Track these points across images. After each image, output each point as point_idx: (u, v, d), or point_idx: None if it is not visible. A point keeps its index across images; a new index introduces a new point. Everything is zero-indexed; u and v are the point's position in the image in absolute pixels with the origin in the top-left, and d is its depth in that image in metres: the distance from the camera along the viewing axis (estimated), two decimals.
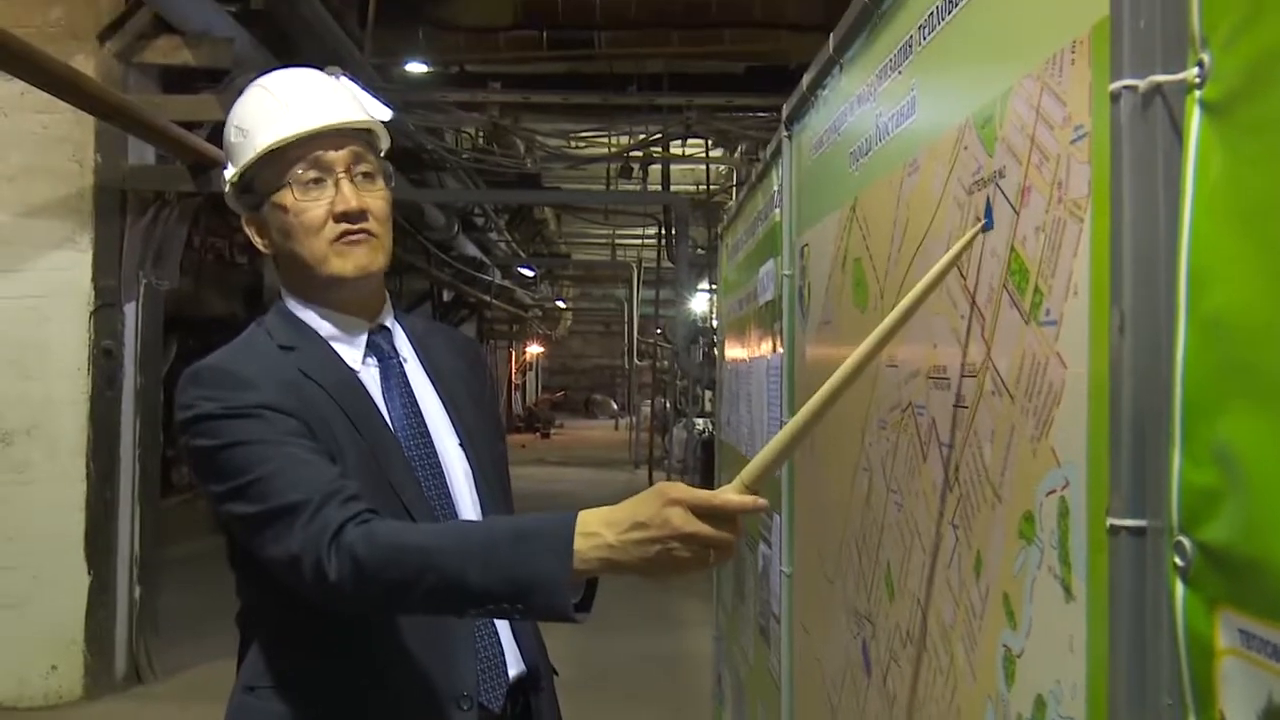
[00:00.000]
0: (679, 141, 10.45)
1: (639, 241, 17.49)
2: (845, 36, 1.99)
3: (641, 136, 8.89)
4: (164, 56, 6.48)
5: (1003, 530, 1.25)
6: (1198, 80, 0.84)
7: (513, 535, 1.43)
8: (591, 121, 8.84)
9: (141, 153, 6.56)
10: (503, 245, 16.05)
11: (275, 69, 1.85)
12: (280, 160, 1.72)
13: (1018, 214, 1.22)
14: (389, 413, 1.79)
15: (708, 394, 15.20)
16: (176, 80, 6.88)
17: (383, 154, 1.86)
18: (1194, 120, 0.84)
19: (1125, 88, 0.91)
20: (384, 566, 1.45)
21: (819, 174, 2.33)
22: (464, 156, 10.00)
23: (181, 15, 6.28)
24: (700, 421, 13.21)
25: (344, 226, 1.71)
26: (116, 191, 6.39)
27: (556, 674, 1.96)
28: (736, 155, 10.59)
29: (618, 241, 18.57)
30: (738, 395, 3.90)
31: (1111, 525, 0.93)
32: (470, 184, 11.01)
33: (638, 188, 11.77)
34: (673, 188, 11.98)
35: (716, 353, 5.39)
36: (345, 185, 1.71)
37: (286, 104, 1.73)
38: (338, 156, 1.72)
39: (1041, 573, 1.14)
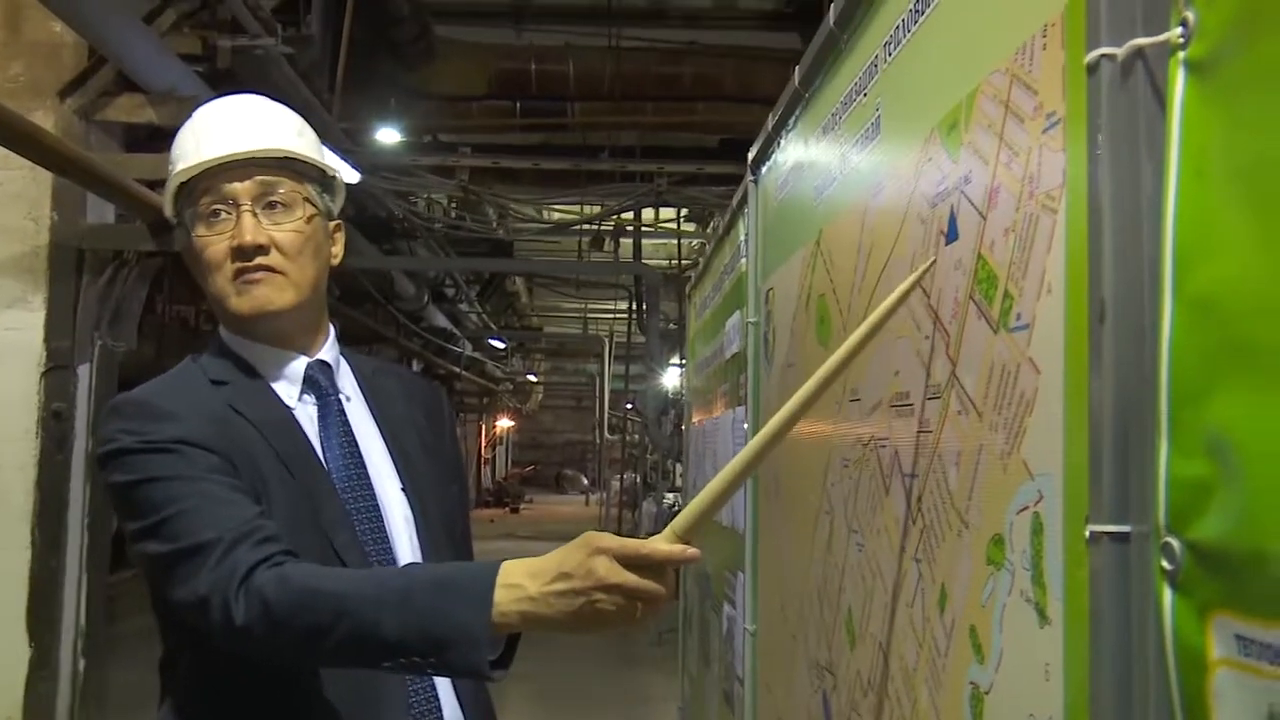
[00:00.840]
0: (651, 213, 10.47)
1: (611, 315, 17.47)
2: (810, 67, 1.94)
3: (613, 203, 8.87)
4: (127, 114, 6.40)
5: (969, 558, 1.16)
6: (1181, 40, 0.77)
7: (431, 585, 1.33)
8: (563, 189, 8.82)
9: (101, 212, 6.46)
10: (474, 317, 15.96)
11: (217, 96, 1.78)
12: (192, 193, 1.64)
13: (984, 218, 1.15)
14: (325, 452, 1.69)
15: (678, 468, 15.11)
16: (140, 139, 6.82)
17: (335, 181, 1.76)
18: (1178, 84, 0.78)
19: (1104, 56, 0.84)
20: (295, 612, 1.36)
21: (784, 214, 2.27)
22: (436, 225, 9.96)
23: (145, 73, 6.22)
24: (670, 496, 13.08)
25: (240, 264, 1.61)
26: (73, 250, 6.27)
27: None
28: (709, 229, 10.61)
29: (589, 315, 18.56)
30: (703, 455, 3.82)
31: (1091, 533, 0.84)
32: (441, 253, 10.96)
33: (609, 259, 11.76)
34: (644, 262, 11.97)
35: (684, 418, 5.30)
36: (245, 218, 1.60)
37: (200, 137, 1.65)
38: (240, 188, 1.62)
39: (1012, 598, 1.05)
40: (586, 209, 9.67)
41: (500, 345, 18.40)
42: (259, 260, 1.61)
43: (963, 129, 1.21)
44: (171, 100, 6.37)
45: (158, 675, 1.73)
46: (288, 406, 1.69)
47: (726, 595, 3.09)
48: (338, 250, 1.78)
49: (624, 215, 9.75)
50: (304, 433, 1.68)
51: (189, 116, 1.74)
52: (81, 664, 6.19)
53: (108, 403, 1.64)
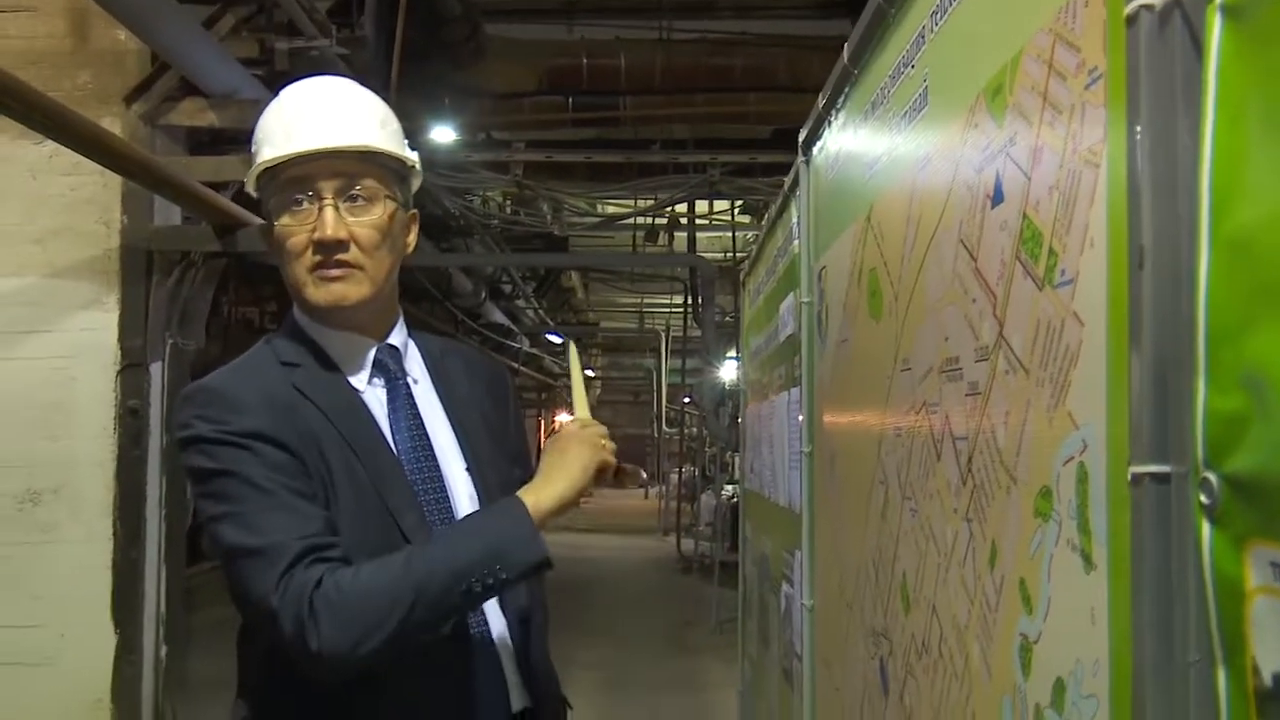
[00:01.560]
0: (705, 207, 10.47)
1: (666, 310, 17.49)
2: (859, 43, 1.96)
3: (666, 195, 8.89)
4: (190, 118, 6.54)
5: (1018, 513, 1.19)
6: None
7: (468, 518, 1.63)
8: (616, 183, 8.85)
9: (167, 214, 6.60)
10: (530, 313, 16.07)
11: (304, 77, 1.81)
12: (277, 179, 1.68)
13: (1029, 179, 1.17)
14: (394, 435, 1.73)
15: (736, 460, 15.12)
16: (202, 142, 6.95)
17: (414, 170, 1.80)
18: (1215, 31, 0.80)
19: (1142, 7, 0.86)
20: (361, 597, 1.47)
21: (835, 192, 2.29)
22: (492, 221, 10.04)
23: (207, 78, 6.35)
24: (729, 488, 13.09)
25: (319, 258, 1.66)
26: (142, 252, 6.42)
27: (570, 708, 1.88)
28: (763, 221, 10.60)
29: (645, 310, 18.59)
30: (760, 439, 3.84)
31: (1134, 474, 0.87)
32: (497, 250, 11.04)
33: (664, 251, 11.78)
34: (699, 255, 11.98)
35: (741, 398, 5.32)
36: (328, 213, 1.64)
37: (289, 122, 1.68)
38: (327, 183, 1.65)
39: (1059, 548, 1.07)
40: (640, 202, 9.70)
41: (557, 340, 18.50)
42: (338, 256, 1.66)
43: (1008, 92, 1.23)
44: (232, 103, 6.50)
45: (236, 649, 1.79)
46: (356, 390, 1.74)
47: (784, 575, 3.12)
48: (411, 239, 1.82)
49: (678, 208, 9.76)
50: (371, 416, 1.72)
51: (274, 96, 1.77)
52: (163, 650, 6.35)
53: (181, 391, 1.70)
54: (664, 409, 20.29)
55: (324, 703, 1.63)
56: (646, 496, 26.16)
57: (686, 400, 20.10)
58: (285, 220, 1.67)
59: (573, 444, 1.66)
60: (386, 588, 1.47)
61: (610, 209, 10.29)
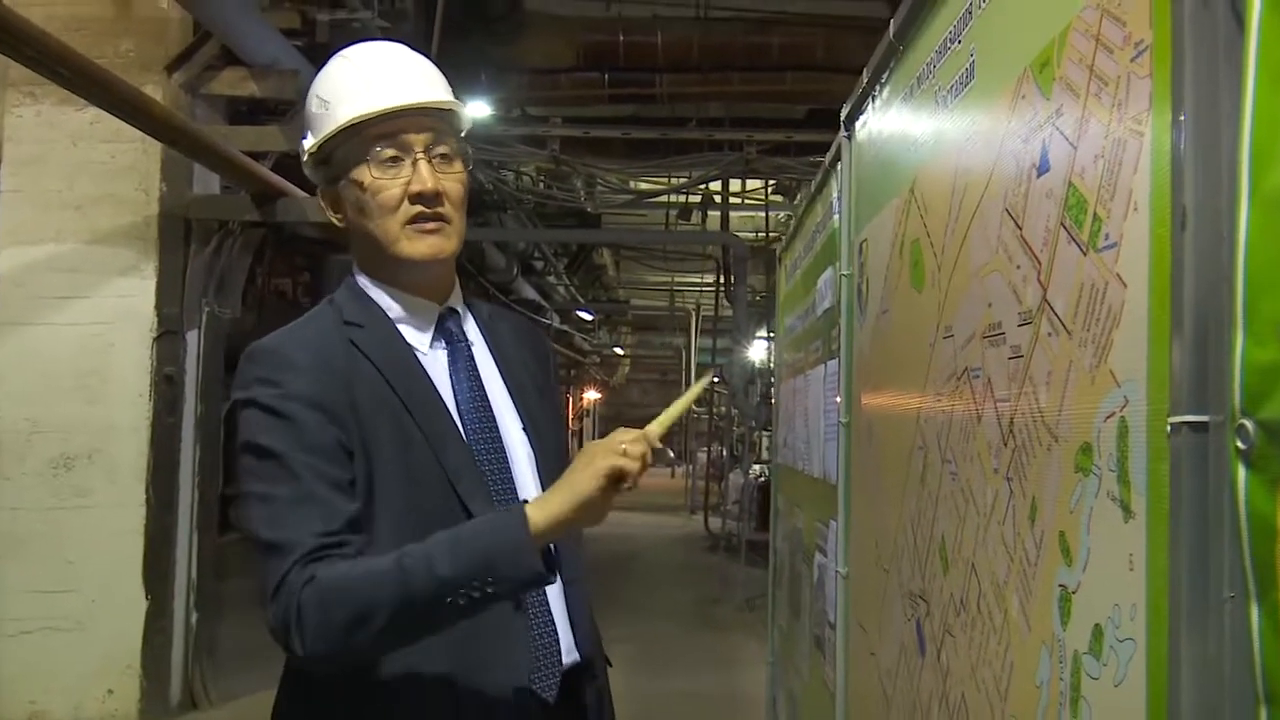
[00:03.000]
0: (738, 184, 10.48)
1: (697, 289, 17.52)
2: (906, 19, 2.00)
3: (700, 173, 8.92)
4: (230, 88, 6.60)
5: (1059, 469, 1.24)
6: None
7: (469, 526, 1.51)
8: (651, 160, 8.88)
9: (206, 183, 6.68)
10: (561, 289, 16.13)
11: (362, 40, 1.85)
12: (359, 135, 1.69)
13: (1075, 148, 1.22)
14: (455, 396, 1.77)
15: (764, 440, 15.15)
16: (242, 112, 7.02)
17: (463, 135, 1.85)
18: (1255, 4, 0.84)
19: None
20: (342, 595, 1.48)
21: (878, 166, 2.34)
22: (525, 197, 10.10)
23: (248, 47, 6.41)
24: (757, 467, 13.14)
25: (419, 209, 1.69)
26: (181, 220, 6.50)
27: (610, 665, 1.93)
28: (797, 201, 10.61)
29: (675, 288, 18.62)
30: (794, 413, 3.89)
31: (1173, 424, 0.92)
32: (530, 225, 11.11)
33: (697, 229, 11.81)
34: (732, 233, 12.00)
35: (774, 377, 5.37)
36: (423, 166, 1.68)
37: (369, 79, 1.71)
38: (418, 137, 1.69)
39: (1099, 500, 1.12)
40: (674, 181, 9.73)
41: (588, 317, 18.56)
42: (436, 209, 1.70)
43: (1055, 65, 1.28)
44: (273, 74, 6.56)
45: None
46: (416, 352, 1.78)
47: (818, 545, 3.17)
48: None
49: (711, 186, 9.78)
50: (430, 379, 1.76)
51: (326, 63, 1.78)
52: (194, 617, 6.45)
53: (245, 348, 1.74)
54: None
55: (382, 664, 1.68)
56: (674, 475, 26.24)
57: (715, 379, 20.14)
58: (375, 174, 1.68)
59: (590, 453, 1.52)
60: (369, 588, 1.47)
61: (643, 186, 10.32)
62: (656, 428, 1.59)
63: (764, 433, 12.45)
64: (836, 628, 2.70)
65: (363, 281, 1.80)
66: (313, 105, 1.77)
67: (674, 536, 16.68)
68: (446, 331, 1.81)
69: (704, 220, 11.25)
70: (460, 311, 1.85)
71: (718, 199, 10.32)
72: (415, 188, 1.68)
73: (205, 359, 6.66)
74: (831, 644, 2.82)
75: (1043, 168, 1.31)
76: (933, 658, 1.77)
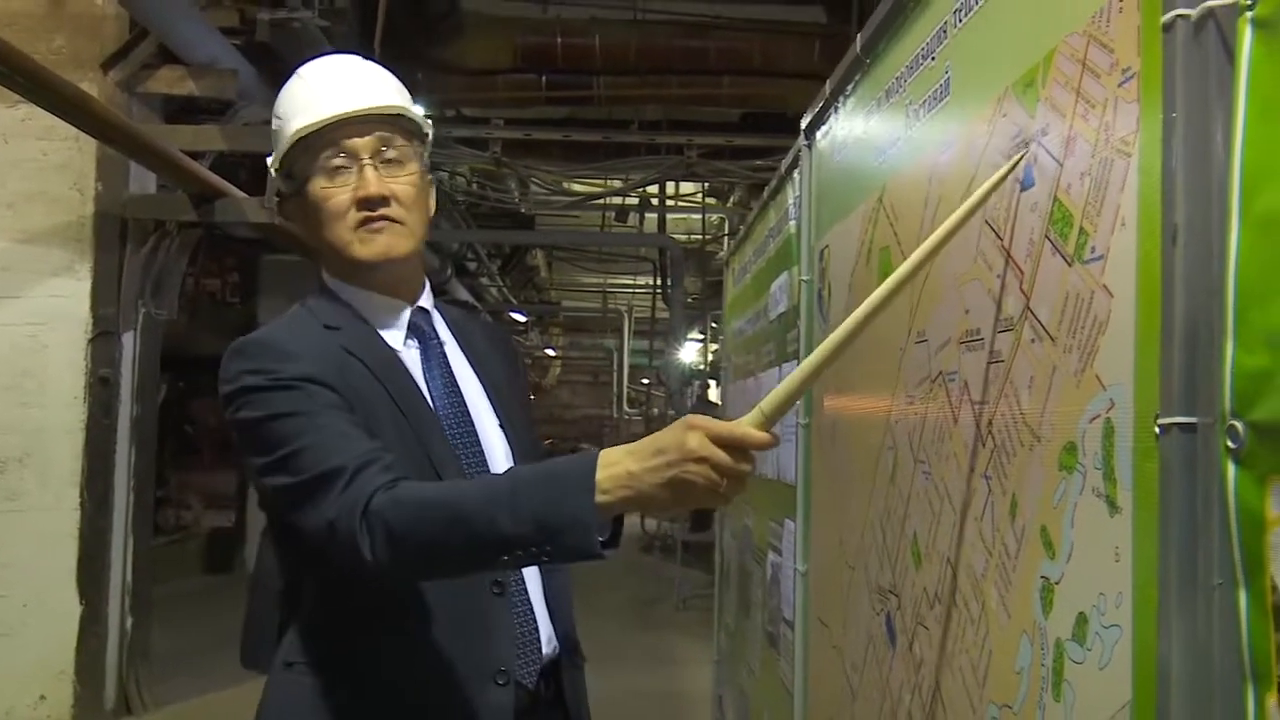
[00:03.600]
0: (672, 188, 10.57)
1: (630, 290, 17.59)
2: (873, 36, 2.08)
3: (639, 176, 8.98)
4: (168, 86, 6.52)
5: (1041, 468, 1.31)
6: (1249, 2, 0.91)
7: (537, 479, 1.44)
8: (590, 164, 8.92)
9: (143, 182, 6.60)
10: (494, 291, 16.10)
11: (320, 55, 1.90)
12: (311, 147, 1.76)
13: (1061, 165, 1.29)
14: (430, 393, 1.81)
15: None
16: (178, 110, 6.95)
17: (428, 136, 1.89)
18: (1245, 39, 0.92)
19: (1179, 17, 0.98)
20: (415, 525, 1.46)
21: (842, 175, 2.41)
22: (459, 197, 10.09)
23: (186, 46, 6.34)
24: None
25: (364, 214, 1.74)
26: (117, 220, 6.41)
27: (584, 660, 1.98)
28: (730, 204, 10.72)
29: (609, 290, 18.67)
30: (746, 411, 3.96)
31: (1162, 425, 0.99)
32: (464, 226, 11.09)
33: (634, 231, 11.88)
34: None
35: (721, 377, 5.45)
36: (368, 171, 1.74)
37: (316, 93, 1.77)
38: (362, 143, 1.75)
39: (1084, 496, 1.20)
40: (610, 183, 9.78)
41: (521, 319, 18.55)
42: (382, 211, 1.74)
43: (1040, 86, 1.35)
44: (211, 73, 6.50)
45: (277, 609, 1.86)
46: (394, 349, 1.83)
47: (771, 544, 3.24)
48: (432, 204, 1.91)
49: (648, 189, 9.85)
50: (411, 374, 1.81)
51: (293, 74, 1.85)
52: (129, 622, 6.38)
53: (229, 346, 1.77)
54: (625, 389, 20.41)
55: (364, 647, 1.73)
56: None
57: (645, 382, 20.23)
58: (323, 184, 1.75)
59: (694, 470, 1.33)
60: (445, 524, 1.45)
61: (579, 188, 10.37)
62: (759, 413, 1.37)
63: None
64: (795, 624, 2.77)
65: (334, 285, 1.85)
66: (273, 123, 1.84)
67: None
68: (418, 330, 1.86)
69: (641, 223, 11.33)
70: (431, 310, 1.90)
71: (654, 201, 10.39)
72: (359, 193, 1.74)
73: (141, 361, 6.59)
74: (788, 640, 2.90)
75: (1027, 183, 1.39)
76: (904, 649, 1.85)
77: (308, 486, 1.56)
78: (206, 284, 11.92)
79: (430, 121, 1.90)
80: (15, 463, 6.17)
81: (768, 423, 1.36)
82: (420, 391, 1.80)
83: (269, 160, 1.87)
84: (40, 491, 6.18)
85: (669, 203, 10.75)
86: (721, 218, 11.69)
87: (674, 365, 11.41)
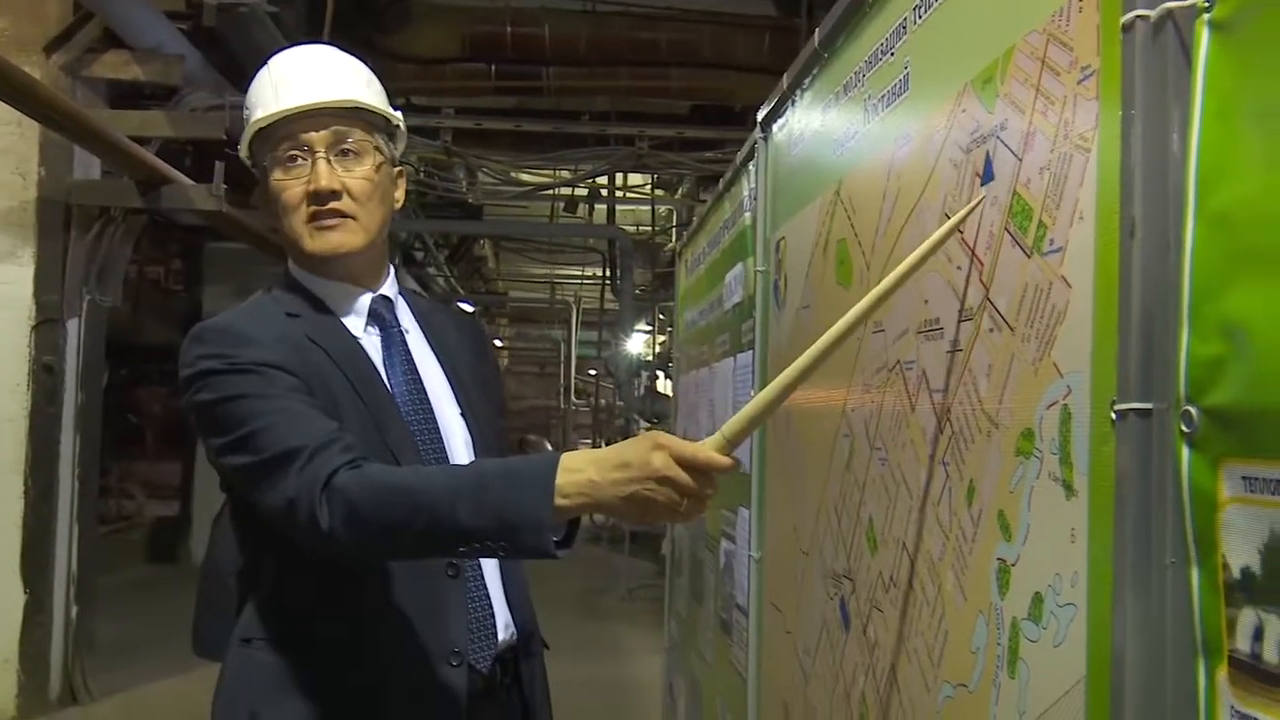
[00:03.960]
0: (621, 179, 10.57)
1: (578, 281, 17.58)
2: (832, 30, 2.11)
3: (589, 167, 8.98)
4: (112, 71, 6.44)
5: (999, 454, 1.35)
6: (1207, 4, 0.95)
7: (500, 475, 1.47)
8: (540, 154, 8.91)
9: (87, 168, 6.53)
10: (441, 281, 16.04)
11: (292, 46, 1.91)
12: (270, 138, 1.79)
13: (1020, 160, 1.33)
14: (390, 379, 1.84)
15: (643, 430, 15.29)
16: (123, 95, 6.86)
17: (399, 130, 1.90)
18: (1203, 40, 0.96)
19: (1138, 17, 1.02)
20: (378, 508, 1.50)
21: (799, 168, 2.45)
22: (408, 186, 10.02)
23: (132, 30, 6.26)
24: None
25: (315, 208, 1.77)
26: (61, 205, 6.35)
27: (548, 647, 2.01)
28: (679, 195, 10.75)
29: (556, 281, 18.65)
30: (696, 405, 4.00)
31: (1119, 411, 1.03)
32: (412, 216, 11.03)
33: (583, 223, 11.87)
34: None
35: (672, 368, 5.48)
36: (320, 165, 1.76)
37: (278, 84, 1.79)
38: (316, 136, 1.77)
39: (1040, 480, 1.24)
40: (559, 174, 9.77)
41: (468, 309, 18.49)
42: (332, 205, 1.76)
43: (999, 82, 1.39)
44: (157, 58, 6.43)
45: (236, 584, 1.89)
46: (355, 337, 1.85)
47: (724, 532, 3.28)
48: (399, 195, 1.92)
49: (598, 180, 9.85)
50: (371, 361, 1.83)
51: (264, 64, 1.86)
52: (74, 611, 6.32)
53: (189, 331, 1.77)
54: (573, 380, 20.42)
55: (320, 626, 1.76)
56: None
57: (592, 373, 20.24)
58: (279, 175, 1.78)
59: (655, 489, 1.38)
60: (408, 509, 1.48)
61: (528, 178, 10.34)
62: (720, 438, 1.42)
63: (648, 424, 12.60)
64: (749, 610, 2.81)
65: (297, 273, 1.88)
66: (243, 113, 1.86)
67: None
68: (378, 317, 1.88)
69: (591, 213, 11.33)
70: (393, 298, 1.92)
71: (604, 193, 10.39)
72: (311, 187, 1.76)
73: (86, 348, 6.53)
74: (741, 626, 2.94)
75: (987, 177, 1.42)
76: (858, 632, 1.89)
77: (266, 466, 1.59)
78: (149, 271, 11.77)
79: (400, 114, 1.90)
80: None
81: (729, 446, 1.43)
82: (379, 377, 1.82)
83: (239, 148, 1.89)
84: None
85: (618, 194, 10.75)
86: (670, 209, 11.72)
87: (622, 356, 11.43)
